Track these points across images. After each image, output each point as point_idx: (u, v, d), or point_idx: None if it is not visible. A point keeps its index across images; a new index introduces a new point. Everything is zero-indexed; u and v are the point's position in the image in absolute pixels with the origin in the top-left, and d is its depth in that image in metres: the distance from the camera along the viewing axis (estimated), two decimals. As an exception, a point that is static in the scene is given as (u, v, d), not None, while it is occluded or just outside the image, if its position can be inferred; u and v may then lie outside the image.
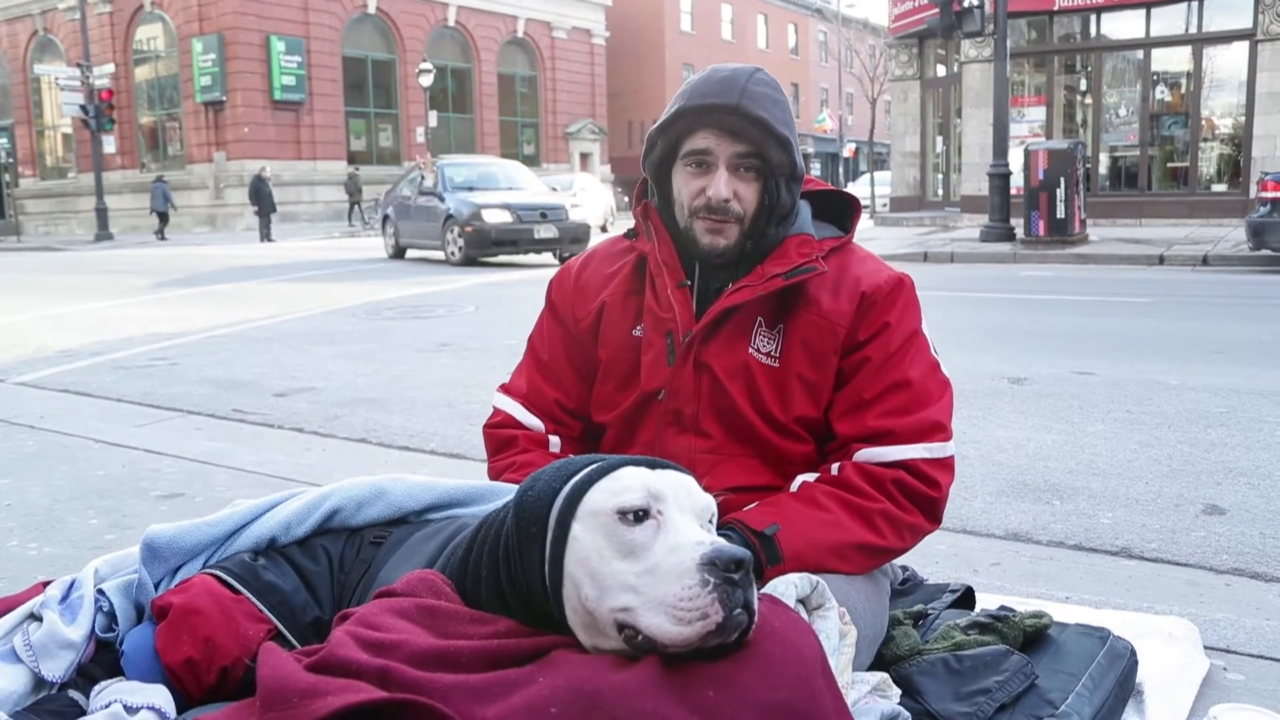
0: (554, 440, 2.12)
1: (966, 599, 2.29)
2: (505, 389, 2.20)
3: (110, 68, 29.13)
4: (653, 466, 1.43)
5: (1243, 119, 19.01)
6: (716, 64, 1.95)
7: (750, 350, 1.94)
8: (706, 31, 50.30)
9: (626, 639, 1.30)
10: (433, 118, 32.77)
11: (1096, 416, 4.96)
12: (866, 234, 19.59)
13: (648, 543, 1.32)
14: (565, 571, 1.35)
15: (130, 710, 1.47)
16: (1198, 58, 19.49)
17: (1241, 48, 18.87)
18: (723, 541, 1.33)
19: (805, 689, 1.22)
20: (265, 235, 25.87)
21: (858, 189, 35.15)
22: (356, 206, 31.34)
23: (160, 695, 1.51)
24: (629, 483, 1.38)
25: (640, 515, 1.34)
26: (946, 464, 1.89)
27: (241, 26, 31.56)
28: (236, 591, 1.63)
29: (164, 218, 28.78)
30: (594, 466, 1.43)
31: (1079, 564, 3.07)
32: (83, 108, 26.52)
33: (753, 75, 1.86)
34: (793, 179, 1.89)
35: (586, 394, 2.13)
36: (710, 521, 1.43)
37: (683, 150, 1.90)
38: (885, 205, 27.96)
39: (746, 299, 1.90)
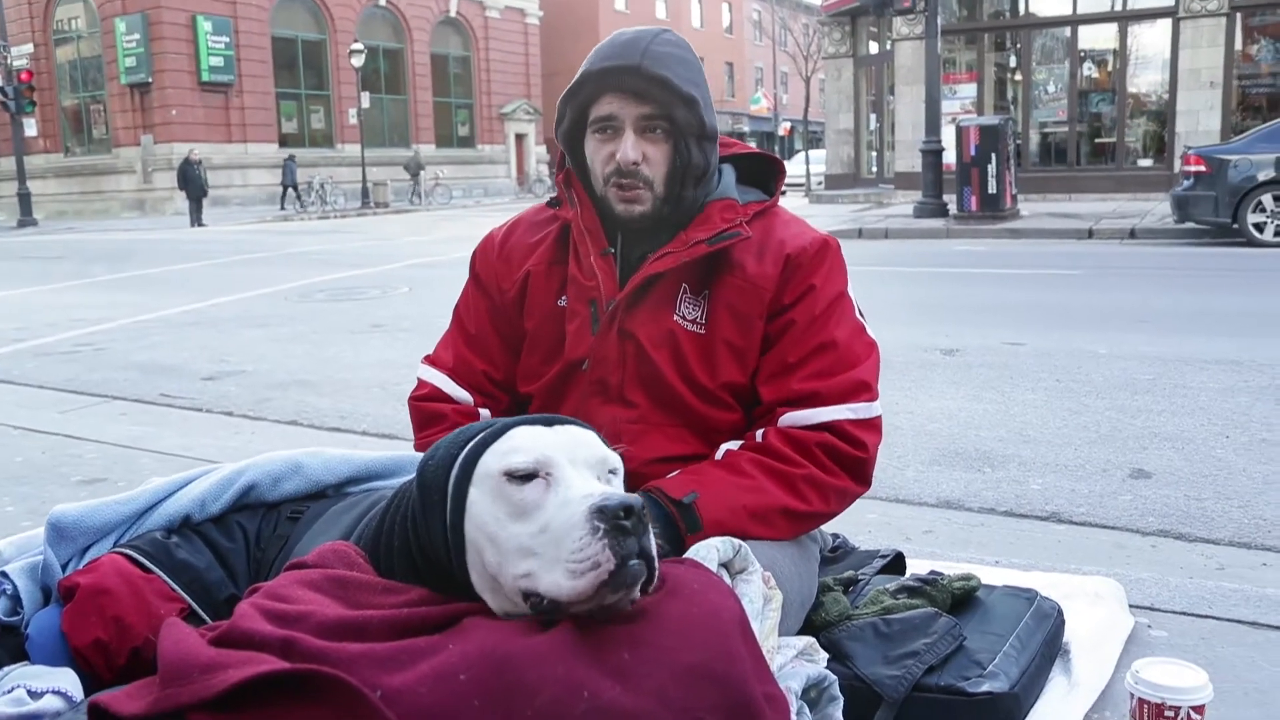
0: (484, 413, 2.08)
1: (897, 564, 2.30)
2: (430, 360, 2.16)
3: (29, 48, 28.40)
4: (549, 424, 1.41)
5: (1166, 95, 19.40)
6: (623, 28, 1.91)
7: (675, 317, 1.91)
8: (641, 10, 50.10)
9: (532, 606, 1.27)
10: (365, 99, 32.31)
11: (1027, 386, 5.02)
12: (802, 212, 19.64)
13: (538, 500, 1.30)
14: (466, 537, 1.33)
15: (34, 695, 1.42)
16: (1123, 35, 19.83)
17: (1164, 25, 19.23)
18: (613, 490, 1.31)
19: (723, 650, 1.20)
20: (196, 220, 25.34)
21: (792, 167, 35.28)
22: (417, 187, 33.75)
23: (67, 679, 1.46)
24: (518, 443, 1.36)
25: (528, 475, 1.32)
26: (873, 424, 1.88)
27: (166, 5, 30.78)
28: (148, 570, 1.58)
29: (295, 189, 30.38)
30: (488, 430, 1.40)
31: (1009, 529, 3.11)
32: (1, 89, 25.76)
33: (657, 36, 1.84)
34: (703, 138, 1.86)
35: (514, 365, 2.09)
36: (613, 473, 1.41)
37: (590, 117, 1.88)
38: (820, 183, 28.08)
39: (670, 266, 1.88)
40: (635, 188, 1.85)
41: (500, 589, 1.30)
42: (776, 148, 52.06)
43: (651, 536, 1.27)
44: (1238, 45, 18.75)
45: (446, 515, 1.34)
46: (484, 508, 1.32)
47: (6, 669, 1.50)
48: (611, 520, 1.23)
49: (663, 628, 1.21)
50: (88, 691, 1.47)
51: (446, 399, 2.09)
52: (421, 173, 34.16)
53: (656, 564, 1.27)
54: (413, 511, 1.39)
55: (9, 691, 1.42)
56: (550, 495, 1.29)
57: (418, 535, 1.38)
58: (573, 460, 1.34)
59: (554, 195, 2.05)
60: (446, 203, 33.81)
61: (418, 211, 29.94)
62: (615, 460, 1.41)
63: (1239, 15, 18.56)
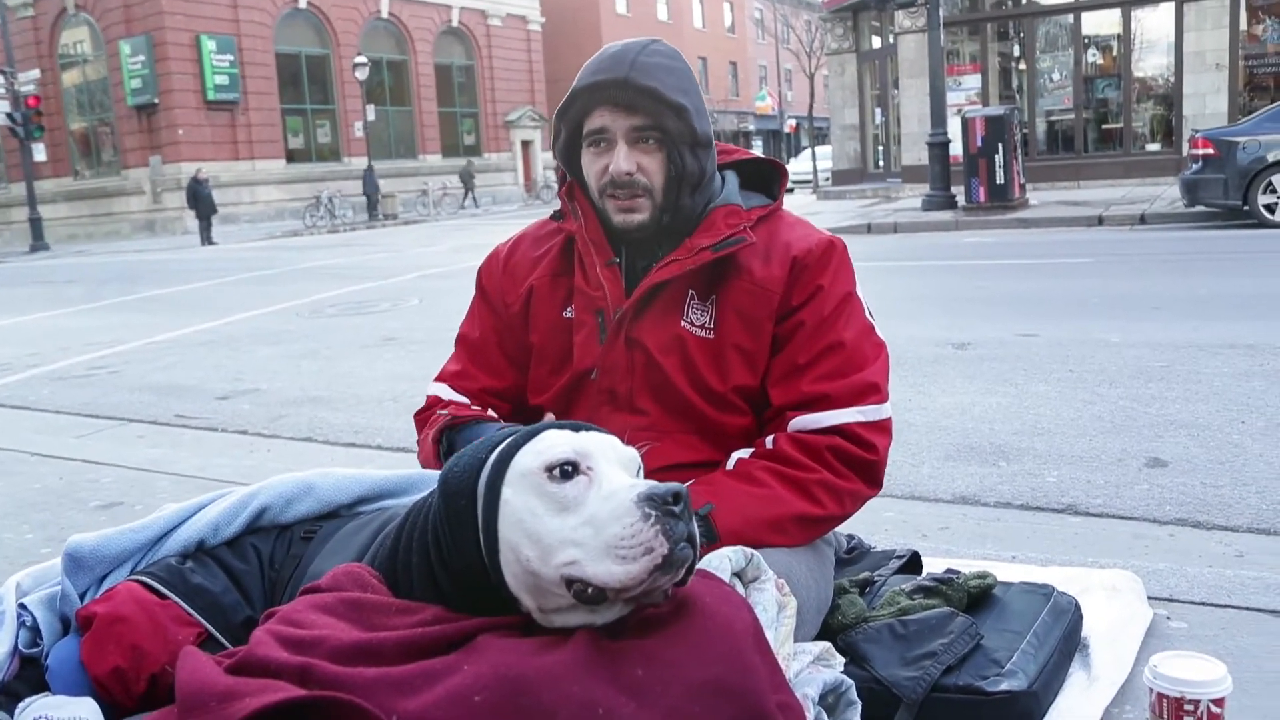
0: (475, 408, 2.09)
1: (913, 564, 2.30)
2: (437, 378, 2.18)
3: (36, 73, 28.34)
4: (576, 429, 1.42)
5: (1172, 79, 19.29)
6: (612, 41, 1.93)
7: (683, 323, 1.92)
8: (642, 13, 50.13)
9: (576, 594, 1.29)
10: (370, 111, 32.41)
11: (1040, 377, 5.00)
12: (810, 208, 19.67)
13: (580, 496, 1.31)
14: (500, 537, 1.34)
15: (56, 725, 1.42)
16: (1126, 20, 19.73)
17: (1168, 8, 19.11)
18: (655, 481, 1.32)
19: (737, 663, 1.20)
20: (206, 238, 25.43)
21: (799, 164, 35.22)
22: (470, 194, 36.27)
23: (87, 708, 1.46)
24: (554, 441, 1.37)
25: (569, 471, 1.33)
26: (883, 426, 1.88)
27: (170, 26, 30.90)
28: (164, 596, 1.59)
29: (374, 201, 31.24)
30: (517, 434, 1.42)
31: (1026, 523, 3.10)
32: (9, 116, 25.84)
33: (646, 47, 1.86)
34: (697, 145, 1.87)
35: (518, 378, 2.11)
36: (638, 474, 1.42)
37: (584, 131, 1.90)
38: (827, 179, 28.03)
39: (675, 274, 1.89)
40: (632, 197, 1.86)
41: (538, 586, 1.31)
42: (783, 145, 52.00)
43: (694, 522, 1.30)
44: (1242, 25, 18.62)
45: (478, 518, 1.35)
46: (520, 505, 1.33)
47: (28, 700, 1.51)
48: (661, 506, 1.26)
49: (676, 643, 1.21)
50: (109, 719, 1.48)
51: (444, 405, 2.10)
52: (473, 180, 36.63)
53: (699, 548, 1.29)
54: (434, 524, 1.40)
55: (31, 722, 1.43)
56: (592, 490, 1.32)
57: (439, 548, 1.38)
58: (607, 458, 1.36)
59: (559, 208, 2.06)
60: (455, 212, 33.89)
61: (426, 222, 29.97)
62: (639, 459, 1.44)
63: (1243, -4, 18.48)
